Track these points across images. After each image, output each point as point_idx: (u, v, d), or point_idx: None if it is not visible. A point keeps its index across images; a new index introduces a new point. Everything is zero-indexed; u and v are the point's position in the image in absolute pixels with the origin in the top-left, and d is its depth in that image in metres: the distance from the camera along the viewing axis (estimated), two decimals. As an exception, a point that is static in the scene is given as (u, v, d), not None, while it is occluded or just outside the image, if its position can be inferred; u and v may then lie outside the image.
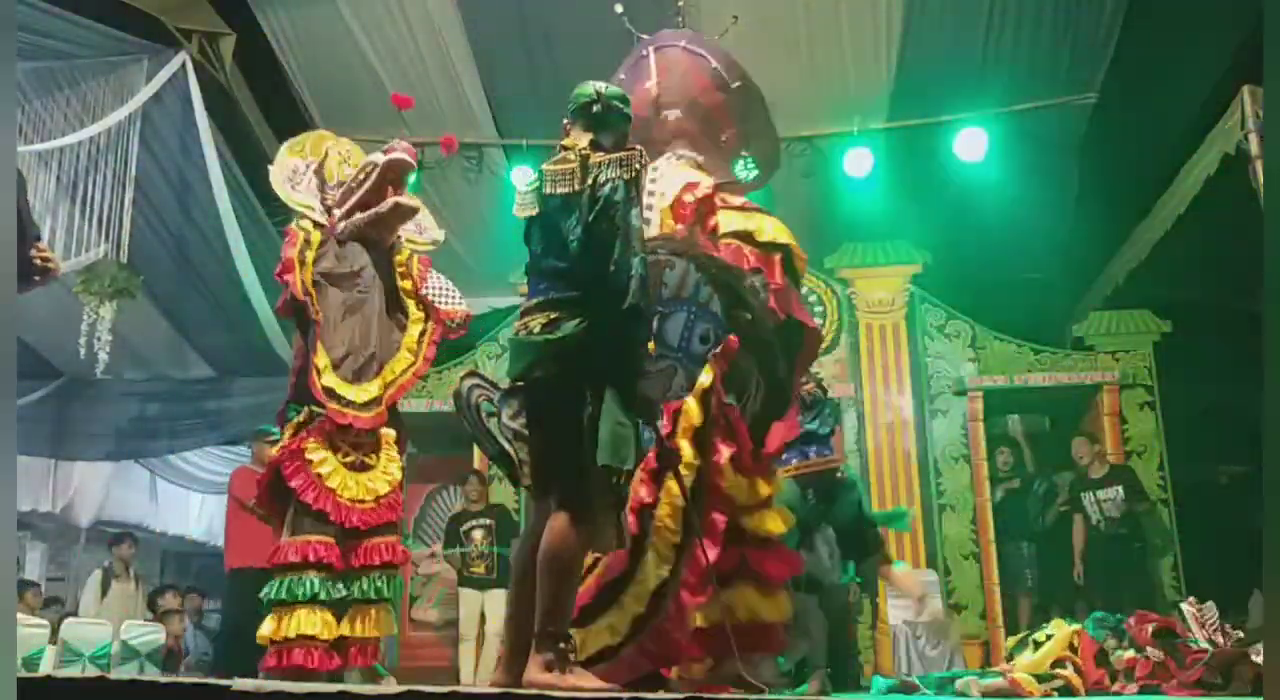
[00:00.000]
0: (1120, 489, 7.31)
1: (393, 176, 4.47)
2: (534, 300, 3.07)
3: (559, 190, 3.03)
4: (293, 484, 4.20)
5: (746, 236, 3.39)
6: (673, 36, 3.98)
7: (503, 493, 7.81)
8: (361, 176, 4.55)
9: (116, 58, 7.04)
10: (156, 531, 11.46)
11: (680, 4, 6.81)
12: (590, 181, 2.96)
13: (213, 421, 9.68)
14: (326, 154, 4.78)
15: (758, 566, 3.42)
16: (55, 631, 6.43)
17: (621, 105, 3.20)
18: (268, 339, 8.08)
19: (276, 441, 6.52)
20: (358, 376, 4.37)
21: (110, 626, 6.67)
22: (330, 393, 4.28)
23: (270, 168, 4.74)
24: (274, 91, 7.90)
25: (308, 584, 4.12)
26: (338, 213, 4.58)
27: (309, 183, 4.69)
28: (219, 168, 7.17)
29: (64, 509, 10.36)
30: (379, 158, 4.50)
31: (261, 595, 4.19)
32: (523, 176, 5.50)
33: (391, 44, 7.52)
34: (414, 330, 4.64)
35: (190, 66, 7.01)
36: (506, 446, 3.11)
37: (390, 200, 4.45)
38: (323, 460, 4.26)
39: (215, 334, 9.08)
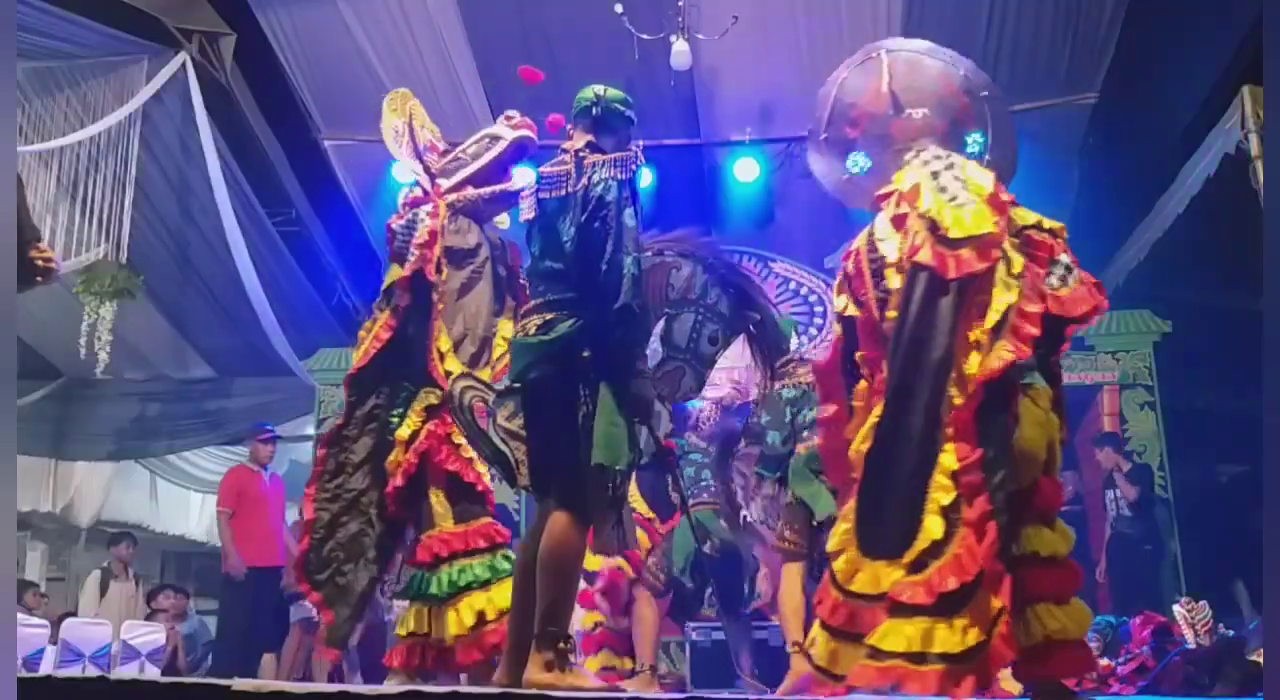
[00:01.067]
0: (1138, 489, 7.28)
1: (517, 153, 4.23)
2: (532, 302, 3.09)
3: (555, 193, 3.04)
4: (450, 468, 3.83)
5: (1036, 227, 3.29)
6: (906, 43, 3.87)
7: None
8: (476, 149, 4.24)
9: (116, 58, 7.05)
10: (156, 531, 11.44)
11: (680, 4, 6.84)
12: (585, 182, 2.97)
13: (213, 421, 9.67)
14: (411, 114, 4.44)
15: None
16: (55, 631, 6.43)
17: (622, 107, 3.20)
18: (268, 339, 8.08)
19: (272, 439, 6.10)
20: (473, 362, 4.01)
21: (110, 626, 6.67)
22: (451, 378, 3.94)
23: (381, 126, 4.39)
24: (274, 91, 7.88)
25: (500, 560, 3.80)
26: (444, 183, 4.21)
27: (408, 145, 4.36)
28: (219, 168, 7.17)
29: (64, 509, 10.35)
30: (505, 131, 4.20)
31: (443, 587, 3.71)
32: (523, 177, 5.46)
33: (391, 44, 7.51)
34: (508, 319, 4.20)
35: (190, 66, 7.01)
36: (502, 447, 3.11)
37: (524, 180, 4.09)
38: (465, 445, 3.86)
39: (215, 334, 9.09)
